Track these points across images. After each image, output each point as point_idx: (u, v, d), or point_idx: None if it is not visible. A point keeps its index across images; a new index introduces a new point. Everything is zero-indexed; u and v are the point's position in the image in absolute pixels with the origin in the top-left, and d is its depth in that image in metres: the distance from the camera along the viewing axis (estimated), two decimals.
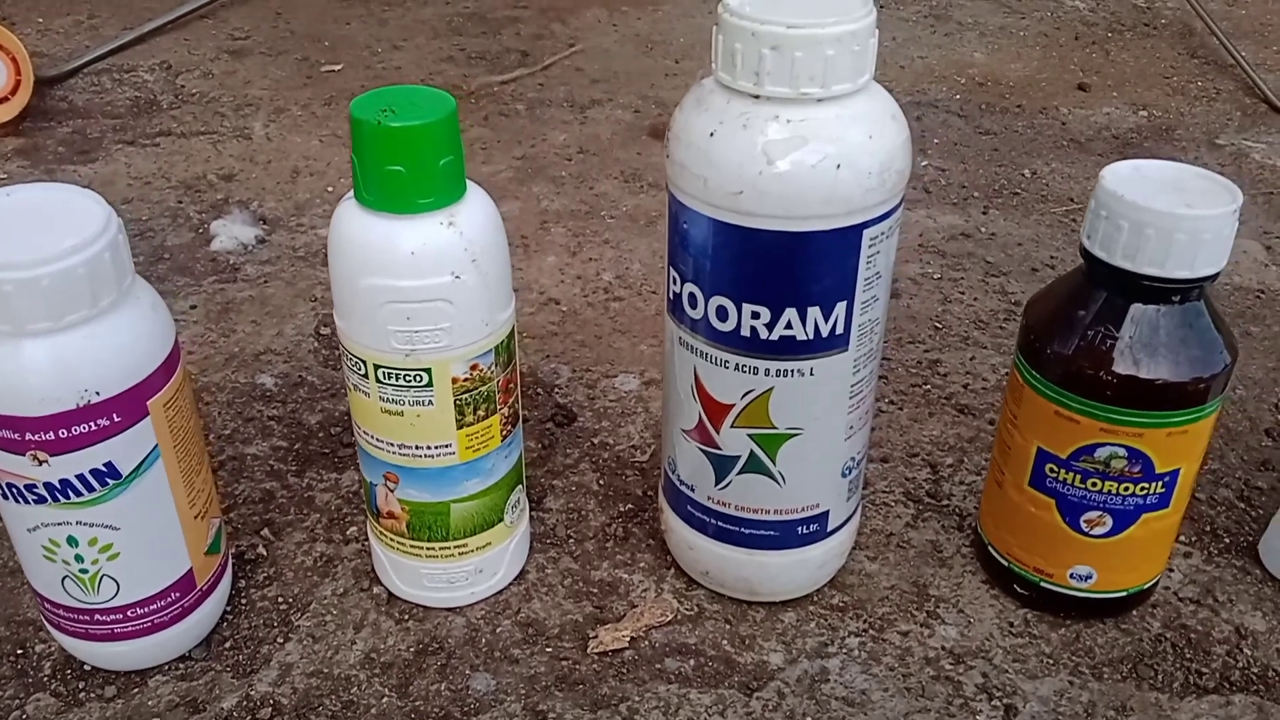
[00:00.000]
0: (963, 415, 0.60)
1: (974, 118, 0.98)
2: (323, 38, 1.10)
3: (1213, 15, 1.12)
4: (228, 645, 0.46)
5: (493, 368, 0.42)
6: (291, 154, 0.88)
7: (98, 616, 0.42)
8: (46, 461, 0.37)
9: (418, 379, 0.41)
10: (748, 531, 0.45)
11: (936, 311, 0.70)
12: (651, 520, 0.52)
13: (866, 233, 0.39)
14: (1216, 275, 0.40)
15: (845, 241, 0.38)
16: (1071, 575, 0.45)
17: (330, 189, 0.83)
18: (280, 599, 0.48)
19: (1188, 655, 0.46)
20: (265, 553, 0.50)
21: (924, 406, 0.61)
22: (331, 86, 1.00)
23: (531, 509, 0.53)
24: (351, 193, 0.40)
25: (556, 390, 0.62)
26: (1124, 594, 0.46)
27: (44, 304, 0.35)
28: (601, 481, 0.55)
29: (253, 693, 0.44)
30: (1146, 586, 0.47)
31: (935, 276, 0.74)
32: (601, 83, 1.03)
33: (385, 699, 0.44)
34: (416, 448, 0.43)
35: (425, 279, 0.39)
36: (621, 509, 0.53)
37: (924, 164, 0.90)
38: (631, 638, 0.46)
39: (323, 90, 0.99)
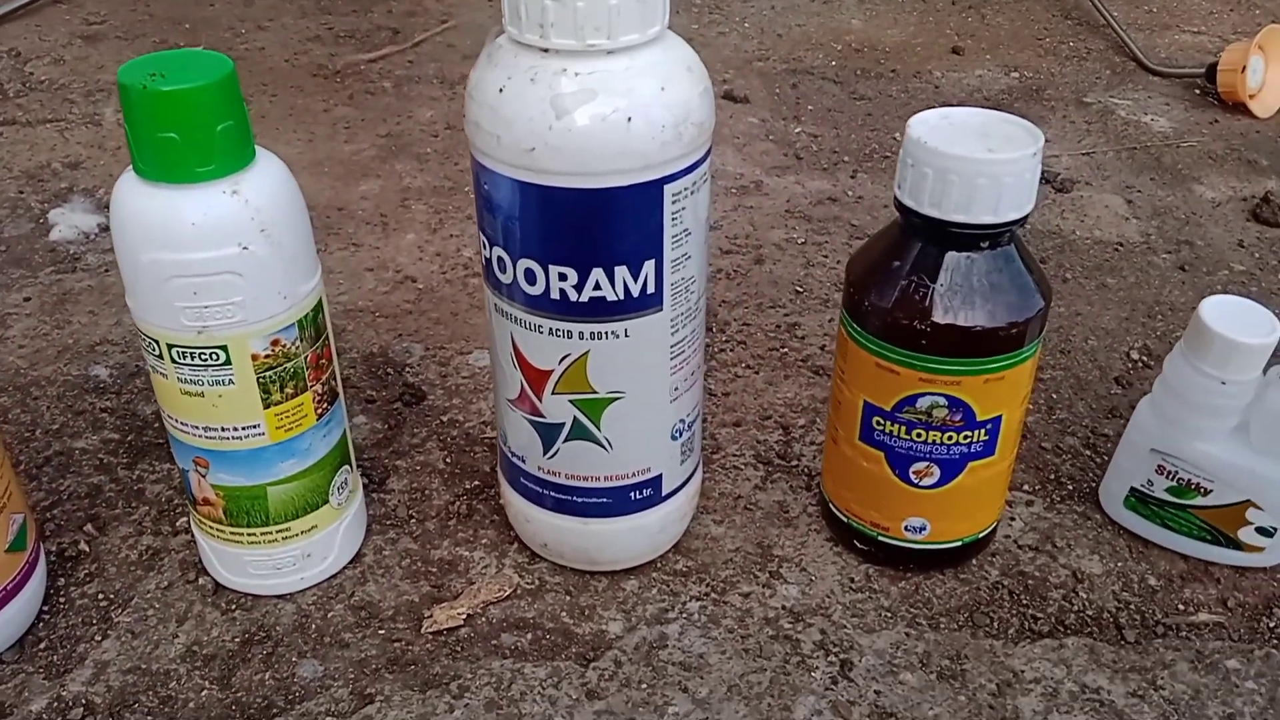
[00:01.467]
0: (818, 376, 0.60)
1: (849, 84, 0.99)
2: (183, 20, 1.06)
3: None
4: (42, 646, 0.44)
5: (298, 343, 0.40)
6: None
7: None
8: None
9: (214, 357, 0.39)
10: (580, 500, 0.44)
11: (799, 275, 0.69)
12: (497, 496, 0.51)
13: (668, 188, 0.38)
14: (1023, 219, 0.40)
15: (646, 197, 0.37)
16: (906, 528, 0.45)
17: None
18: (101, 595, 0.46)
19: (1024, 601, 0.46)
20: (88, 548, 0.48)
21: (780, 369, 0.60)
22: None
23: (372, 491, 0.51)
24: (131, 166, 0.38)
25: (407, 369, 0.60)
26: (959, 544, 0.46)
27: None
28: (448, 459, 0.54)
29: (64, 693, 0.42)
30: (982, 535, 0.47)
31: (800, 241, 0.73)
32: (473, 59, 1.01)
33: (205, 691, 0.42)
34: (222, 430, 0.41)
35: (209, 251, 0.37)
36: (467, 486, 0.52)
37: (797, 130, 0.90)
38: (468, 615, 0.45)
39: None
